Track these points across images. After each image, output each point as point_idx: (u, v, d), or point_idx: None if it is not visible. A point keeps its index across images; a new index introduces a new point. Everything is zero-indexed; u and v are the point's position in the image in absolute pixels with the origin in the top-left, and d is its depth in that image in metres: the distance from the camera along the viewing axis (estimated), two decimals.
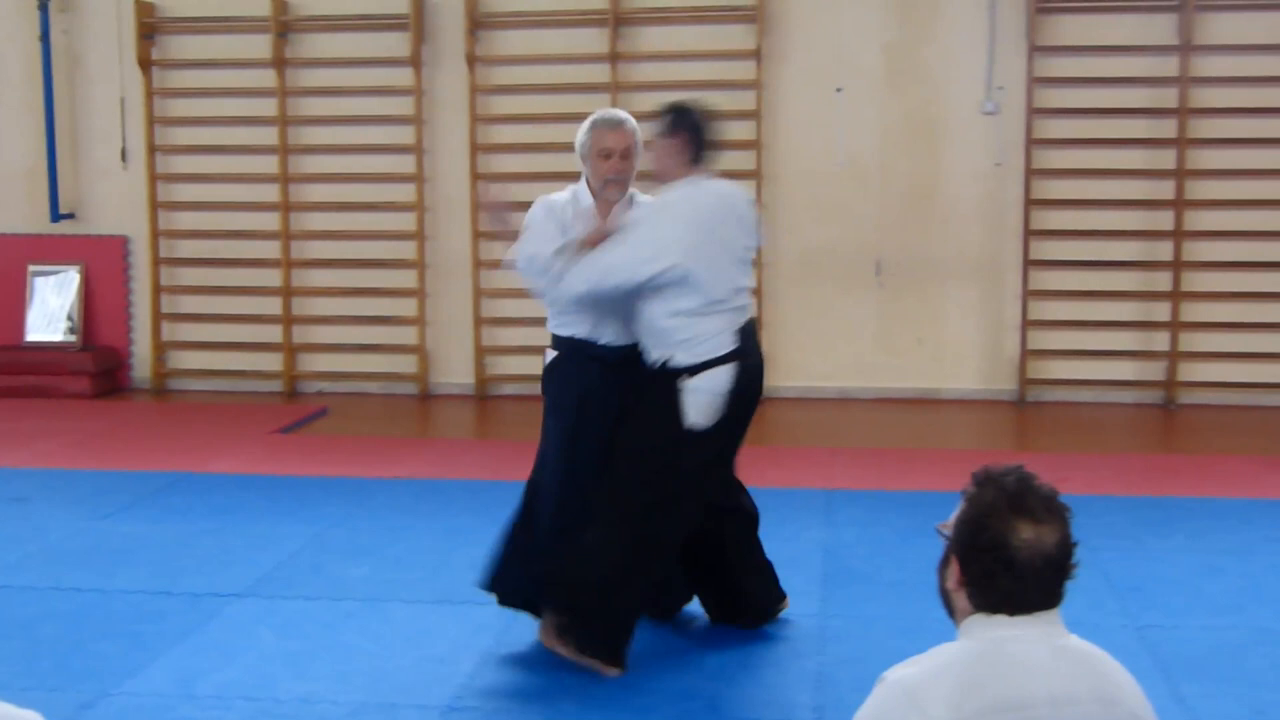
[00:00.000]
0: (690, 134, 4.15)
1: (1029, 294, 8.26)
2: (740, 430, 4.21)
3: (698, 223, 4.04)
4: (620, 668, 4.05)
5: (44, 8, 8.73)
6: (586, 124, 4.25)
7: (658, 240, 3.99)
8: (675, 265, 3.95)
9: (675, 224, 4.04)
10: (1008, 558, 1.99)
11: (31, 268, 8.98)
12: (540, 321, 4.36)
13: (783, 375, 8.51)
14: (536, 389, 4.40)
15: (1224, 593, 4.79)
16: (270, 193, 8.77)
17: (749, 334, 4.15)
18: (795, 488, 6.19)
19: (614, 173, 4.18)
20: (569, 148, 5.01)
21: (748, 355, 4.10)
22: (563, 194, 4.30)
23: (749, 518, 4.42)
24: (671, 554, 4.18)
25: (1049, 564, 2.00)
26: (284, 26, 8.65)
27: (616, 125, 4.20)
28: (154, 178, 8.85)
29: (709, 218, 4.08)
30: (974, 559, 2.02)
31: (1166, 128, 8.08)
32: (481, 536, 5.43)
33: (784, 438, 7.78)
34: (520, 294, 9.07)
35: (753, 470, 6.61)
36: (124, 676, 4.06)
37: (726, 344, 4.04)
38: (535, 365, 4.16)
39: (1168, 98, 8.07)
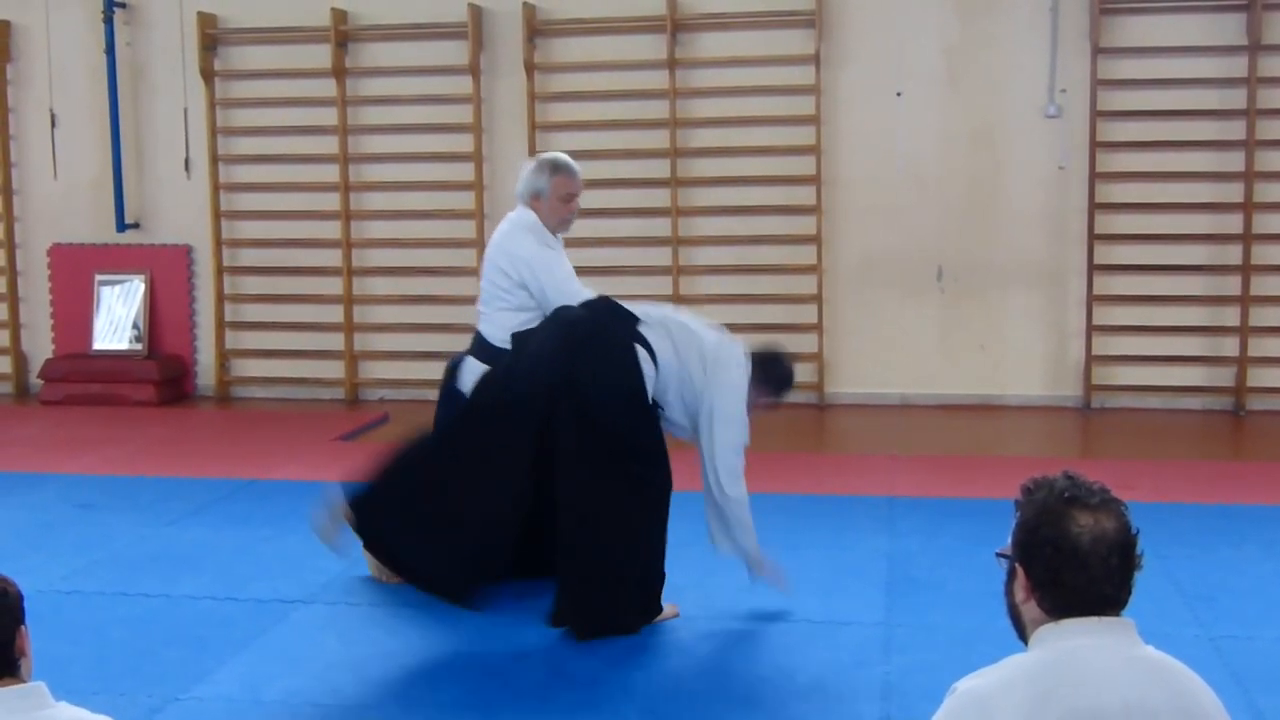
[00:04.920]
0: None
1: (1094, 299, 8.13)
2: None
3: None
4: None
5: (109, 20, 8.88)
6: (542, 168, 4.62)
7: None
8: None
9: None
10: (1070, 546, 1.97)
11: (98, 277, 9.12)
12: None
13: (843, 381, 8.46)
14: None
15: None
16: (331, 201, 8.85)
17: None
18: (857, 495, 6.15)
19: (573, 214, 4.64)
20: (628, 155, 5.06)
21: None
22: (528, 228, 4.61)
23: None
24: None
25: (1113, 549, 1.98)
26: (344, 36, 8.73)
27: (578, 173, 4.64)
28: (216, 187, 8.97)
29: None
30: (1037, 558, 2.01)
31: (1235, 129, 7.93)
32: None
33: (845, 445, 7.73)
34: None
35: (814, 477, 6.67)
36: (192, 681, 4.09)
37: None
38: None
39: (1236, 99, 7.92)
